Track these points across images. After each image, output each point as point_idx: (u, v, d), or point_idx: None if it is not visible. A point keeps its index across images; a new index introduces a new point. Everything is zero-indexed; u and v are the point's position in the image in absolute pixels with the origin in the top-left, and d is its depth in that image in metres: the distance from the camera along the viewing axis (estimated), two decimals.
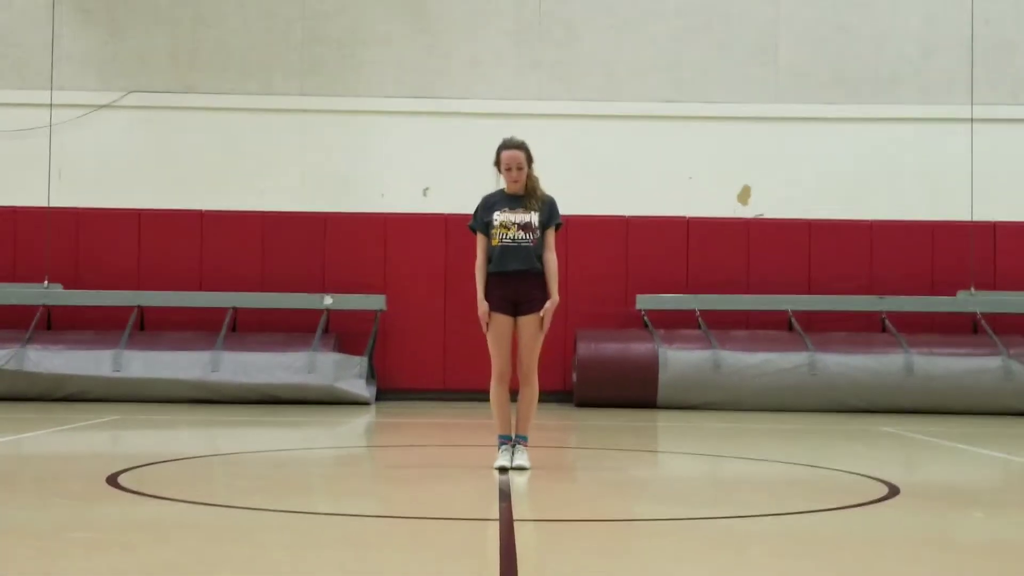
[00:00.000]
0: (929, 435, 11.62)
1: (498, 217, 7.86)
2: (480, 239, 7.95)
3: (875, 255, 16.53)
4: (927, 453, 10.30)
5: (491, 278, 7.91)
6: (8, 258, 16.34)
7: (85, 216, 16.43)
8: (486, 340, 7.96)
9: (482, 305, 7.89)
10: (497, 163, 7.98)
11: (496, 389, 7.96)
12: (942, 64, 16.98)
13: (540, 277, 7.88)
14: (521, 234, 7.82)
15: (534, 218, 7.85)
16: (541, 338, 7.92)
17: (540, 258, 7.87)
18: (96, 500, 6.48)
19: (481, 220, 7.96)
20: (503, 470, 7.71)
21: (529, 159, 7.94)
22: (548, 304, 7.86)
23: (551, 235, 7.95)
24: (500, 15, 17.05)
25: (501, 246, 7.83)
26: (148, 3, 16.98)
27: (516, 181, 7.91)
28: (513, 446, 7.90)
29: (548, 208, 7.94)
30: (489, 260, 7.89)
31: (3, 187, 16.65)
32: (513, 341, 7.94)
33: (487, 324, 7.91)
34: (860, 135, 17.00)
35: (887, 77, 17.03)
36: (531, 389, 7.95)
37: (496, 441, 7.97)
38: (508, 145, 7.96)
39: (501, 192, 8.03)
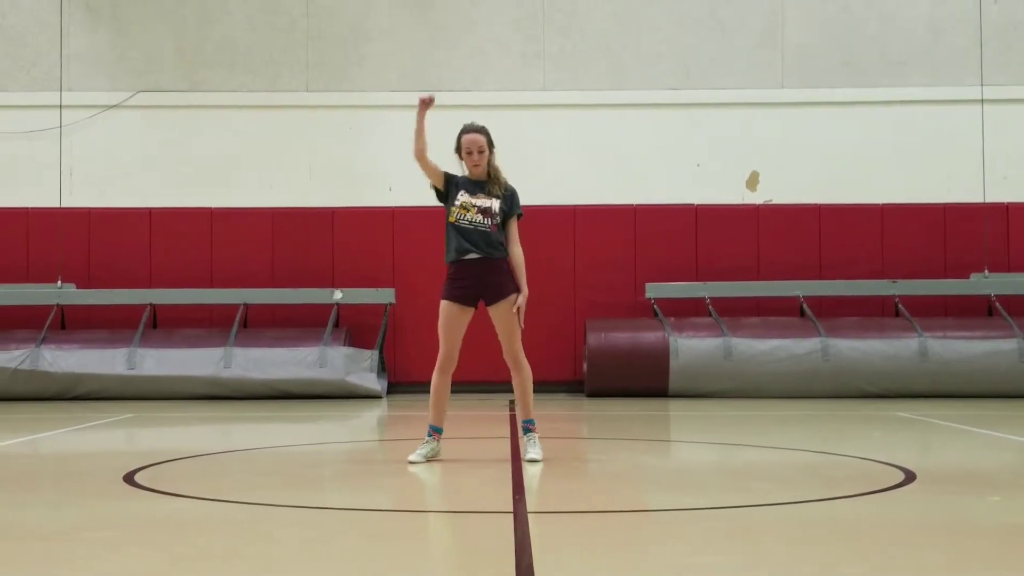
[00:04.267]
0: (944, 419, 11.60)
1: (460, 198, 7.84)
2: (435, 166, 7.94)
3: (886, 239, 16.47)
4: (943, 437, 10.28)
5: (451, 267, 7.89)
6: (21, 259, 16.39)
7: (97, 216, 16.47)
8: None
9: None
10: (458, 149, 7.97)
11: (437, 378, 7.88)
12: (951, 45, 16.92)
13: (504, 264, 7.84)
14: (480, 218, 7.78)
15: (495, 204, 7.83)
16: (519, 327, 7.85)
17: (503, 245, 7.83)
18: (113, 498, 6.50)
19: (446, 175, 7.95)
20: (413, 463, 7.68)
21: (490, 144, 7.93)
22: (520, 299, 7.78)
23: (514, 226, 7.90)
24: (503, 5, 17.02)
25: (457, 226, 7.80)
26: (153, 1, 16.99)
27: (477, 165, 7.88)
28: (525, 433, 7.87)
29: (510, 197, 7.91)
30: (452, 245, 7.87)
31: (15, 188, 16.73)
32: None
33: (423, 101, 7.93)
34: (869, 118, 16.94)
35: (895, 59, 16.97)
36: (523, 373, 7.87)
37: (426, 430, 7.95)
38: (468, 129, 7.97)
39: (465, 177, 8.00)
